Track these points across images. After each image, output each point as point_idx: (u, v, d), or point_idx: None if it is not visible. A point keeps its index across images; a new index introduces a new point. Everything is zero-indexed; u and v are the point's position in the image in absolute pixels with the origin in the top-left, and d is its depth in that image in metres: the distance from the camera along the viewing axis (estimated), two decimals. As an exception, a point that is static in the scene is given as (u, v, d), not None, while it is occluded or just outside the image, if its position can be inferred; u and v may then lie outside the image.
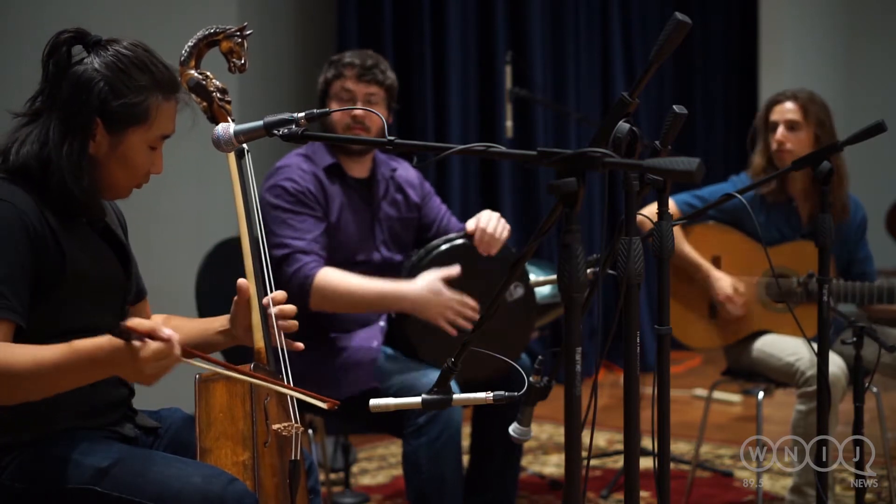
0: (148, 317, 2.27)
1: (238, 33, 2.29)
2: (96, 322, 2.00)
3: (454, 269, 2.96)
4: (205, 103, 2.25)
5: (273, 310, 2.13)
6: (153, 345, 1.65)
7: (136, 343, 1.65)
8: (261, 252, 2.19)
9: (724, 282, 3.47)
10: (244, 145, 2.22)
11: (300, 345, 2.17)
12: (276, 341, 2.13)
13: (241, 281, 2.13)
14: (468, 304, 2.95)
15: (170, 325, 2.11)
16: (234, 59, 2.30)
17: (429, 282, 2.94)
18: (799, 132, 3.41)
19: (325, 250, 3.02)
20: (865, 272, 3.49)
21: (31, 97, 1.97)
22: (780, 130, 3.42)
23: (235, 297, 2.13)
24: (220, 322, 2.19)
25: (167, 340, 1.66)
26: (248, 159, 2.26)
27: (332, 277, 2.95)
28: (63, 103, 1.92)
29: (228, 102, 2.28)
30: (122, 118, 1.94)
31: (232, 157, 2.25)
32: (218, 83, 2.28)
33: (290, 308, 2.16)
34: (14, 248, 1.84)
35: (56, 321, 1.91)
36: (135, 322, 1.66)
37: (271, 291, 2.18)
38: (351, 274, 2.98)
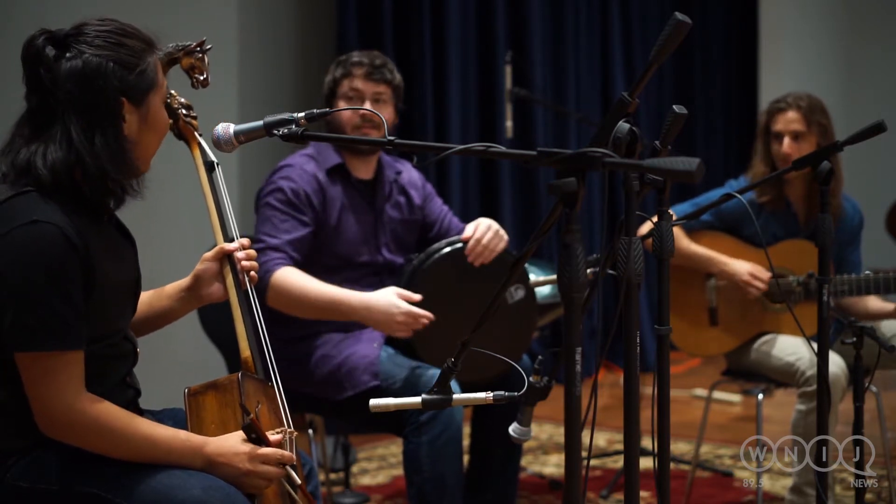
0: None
1: (198, 49, 2.26)
2: (117, 325, 2.02)
3: (416, 296, 2.86)
4: (171, 121, 2.24)
5: (240, 254, 2.20)
6: (269, 451, 1.93)
7: (259, 448, 1.93)
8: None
9: (742, 264, 3.46)
10: (214, 159, 2.24)
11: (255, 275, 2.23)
12: (245, 285, 2.19)
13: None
14: (425, 316, 2.83)
15: (148, 299, 2.22)
16: (196, 75, 2.27)
17: (387, 297, 2.85)
18: (803, 143, 3.42)
19: (301, 254, 2.98)
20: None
21: (23, 116, 1.91)
22: (787, 142, 3.43)
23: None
24: (177, 287, 2.23)
25: (280, 457, 1.94)
26: (218, 172, 2.26)
27: (290, 277, 2.90)
28: (75, 102, 1.87)
29: (194, 118, 2.29)
30: (141, 87, 1.93)
31: (203, 172, 2.25)
32: (182, 100, 2.29)
33: (252, 253, 2.24)
34: (68, 274, 1.84)
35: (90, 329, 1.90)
36: (269, 432, 1.95)
37: (257, 308, 2.19)
38: (312, 278, 2.92)
